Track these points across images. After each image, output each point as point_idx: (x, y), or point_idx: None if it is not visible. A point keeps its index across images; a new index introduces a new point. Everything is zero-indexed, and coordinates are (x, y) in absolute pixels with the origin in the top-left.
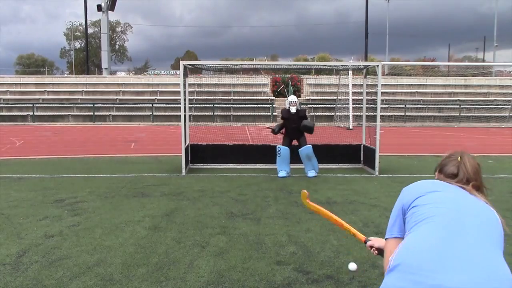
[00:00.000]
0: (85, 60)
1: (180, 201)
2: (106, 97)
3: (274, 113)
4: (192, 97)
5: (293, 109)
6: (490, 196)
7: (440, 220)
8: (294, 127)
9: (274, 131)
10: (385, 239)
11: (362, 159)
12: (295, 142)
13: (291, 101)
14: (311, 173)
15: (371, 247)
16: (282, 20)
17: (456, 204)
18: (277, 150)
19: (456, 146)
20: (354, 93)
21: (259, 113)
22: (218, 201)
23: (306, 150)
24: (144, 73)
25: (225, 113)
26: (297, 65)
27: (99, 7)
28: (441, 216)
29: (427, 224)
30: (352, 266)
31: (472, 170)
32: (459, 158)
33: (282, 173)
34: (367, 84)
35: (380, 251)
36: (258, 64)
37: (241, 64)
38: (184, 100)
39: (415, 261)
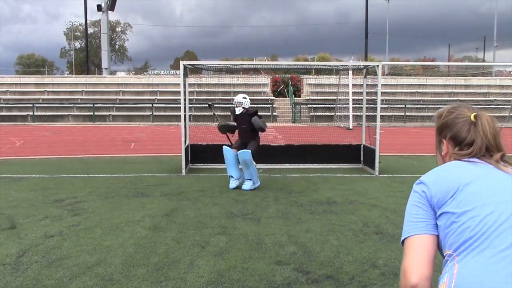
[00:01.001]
0: (85, 60)
1: (180, 201)
2: (106, 97)
3: (274, 113)
4: (192, 97)
5: (237, 110)
6: None
7: (496, 234)
8: (244, 128)
9: (218, 125)
10: (409, 236)
11: (362, 159)
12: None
13: (236, 101)
14: (246, 185)
15: None
16: (282, 20)
17: (502, 201)
18: (223, 150)
19: None
20: (354, 93)
21: (259, 113)
22: (218, 201)
23: (242, 155)
24: (144, 73)
25: (225, 113)
26: (297, 65)
27: (99, 7)
28: (494, 229)
29: (482, 245)
30: None
31: (495, 133)
32: (472, 117)
33: (231, 184)
34: (367, 84)
35: None
36: (258, 64)
37: (241, 64)
38: (184, 100)
39: None
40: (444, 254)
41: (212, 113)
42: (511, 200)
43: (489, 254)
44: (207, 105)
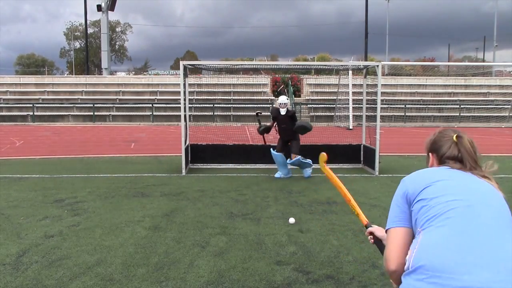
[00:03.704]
0: (85, 60)
1: (180, 201)
2: (106, 97)
3: None
4: (192, 97)
5: (283, 111)
6: None
7: (455, 215)
8: (284, 127)
9: (259, 129)
10: (388, 228)
11: (362, 159)
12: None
13: (281, 103)
14: (307, 173)
15: (371, 233)
16: (282, 19)
17: (467, 194)
18: (272, 155)
19: None
20: (354, 93)
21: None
22: (218, 201)
23: (294, 163)
24: (144, 73)
25: (225, 113)
26: (297, 65)
27: (99, 7)
28: (455, 211)
29: (442, 222)
30: (291, 220)
31: (472, 150)
32: (454, 137)
33: (278, 174)
34: (367, 84)
35: (378, 241)
36: (258, 64)
37: (241, 64)
38: (184, 100)
39: (438, 263)
40: (416, 232)
41: (257, 120)
42: (478, 195)
43: (448, 228)
44: (254, 114)
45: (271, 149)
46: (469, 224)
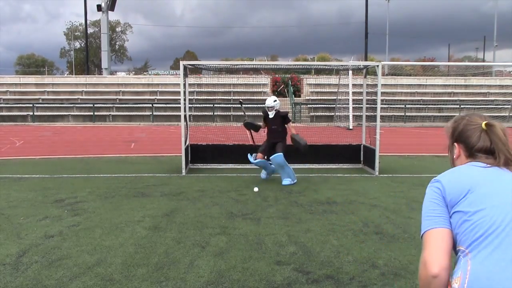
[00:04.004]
0: (85, 60)
1: (180, 201)
2: (106, 97)
3: None
4: (192, 97)
5: (271, 114)
6: None
7: (506, 234)
8: (274, 128)
9: (244, 122)
10: (427, 230)
11: (362, 159)
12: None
13: (268, 106)
14: (285, 181)
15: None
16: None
17: (510, 201)
18: (252, 158)
19: None
20: (354, 93)
21: (259, 113)
22: (218, 201)
23: (275, 159)
24: (144, 73)
25: (225, 113)
26: (297, 65)
27: (99, 7)
28: (505, 230)
29: (492, 244)
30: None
31: (506, 140)
32: (483, 125)
33: (262, 174)
34: (367, 84)
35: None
36: (258, 64)
37: (241, 64)
38: (184, 100)
39: None
40: (457, 250)
41: (242, 111)
42: None
43: (499, 252)
44: (238, 103)
45: (249, 155)
46: None
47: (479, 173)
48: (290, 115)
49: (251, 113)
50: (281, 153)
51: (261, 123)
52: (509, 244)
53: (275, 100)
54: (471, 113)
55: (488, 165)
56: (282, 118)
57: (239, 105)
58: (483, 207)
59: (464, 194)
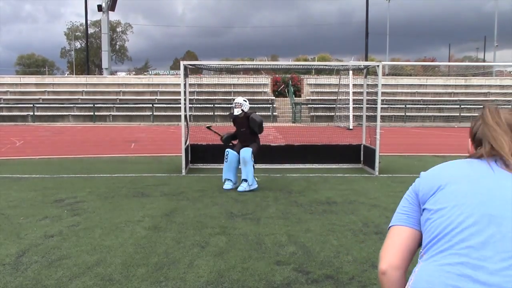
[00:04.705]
0: (86, 60)
1: (180, 201)
2: (106, 97)
3: (275, 113)
4: (193, 97)
5: (236, 111)
6: None
7: (460, 239)
8: (243, 131)
9: (222, 139)
10: (391, 226)
11: (362, 159)
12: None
13: (235, 103)
14: (241, 187)
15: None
16: (283, 19)
17: (479, 202)
18: (225, 154)
19: (456, 146)
20: (354, 93)
21: (259, 113)
22: (218, 201)
23: (243, 152)
24: (144, 73)
25: (225, 113)
26: (298, 65)
27: (99, 7)
28: (462, 232)
29: (442, 247)
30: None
31: (497, 128)
32: (484, 112)
33: (226, 185)
34: (367, 84)
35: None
36: (258, 64)
37: (242, 64)
38: (184, 100)
39: None
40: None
41: (213, 132)
42: (489, 204)
43: (447, 256)
44: (206, 127)
45: (229, 149)
46: (477, 256)
47: (460, 168)
48: (260, 117)
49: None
50: (251, 149)
51: (233, 131)
52: (460, 249)
53: (245, 100)
54: (490, 104)
55: (476, 159)
56: (249, 120)
57: (208, 129)
58: (445, 206)
59: (434, 191)
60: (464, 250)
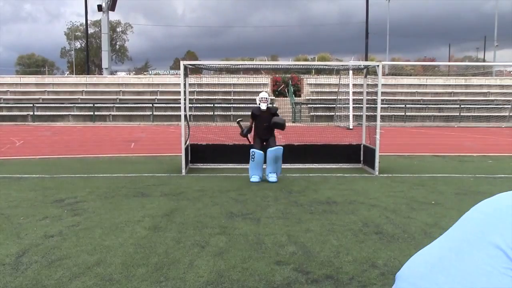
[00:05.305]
0: (86, 60)
1: (180, 201)
2: (106, 97)
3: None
4: (192, 97)
5: (263, 106)
6: (490, 196)
7: None
8: (266, 125)
9: (242, 133)
10: None
11: (362, 159)
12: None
13: (262, 98)
14: (272, 178)
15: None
16: (283, 19)
17: None
18: (251, 153)
19: (456, 146)
20: (354, 93)
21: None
22: (218, 201)
23: (275, 152)
24: (144, 73)
25: (225, 113)
26: (297, 65)
27: (99, 7)
28: None
29: None
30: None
31: None
32: None
33: (255, 178)
34: (367, 84)
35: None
36: (258, 64)
37: (242, 64)
38: (184, 100)
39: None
40: None
41: (239, 126)
42: None
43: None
44: (237, 122)
45: (254, 149)
46: None
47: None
48: (282, 119)
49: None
50: (281, 147)
51: (249, 123)
52: None
53: (268, 94)
54: None
55: None
56: (272, 115)
57: (237, 123)
58: None
59: None
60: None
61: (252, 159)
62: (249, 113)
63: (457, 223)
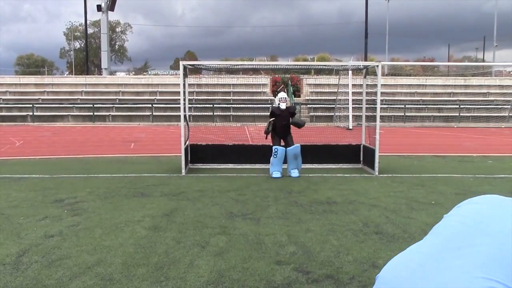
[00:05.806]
0: (85, 60)
1: (180, 201)
2: (106, 97)
3: None
4: (192, 97)
5: (283, 105)
6: None
7: None
8: (285, 124)
9: (267, 131)
10: None
11: (362, 159)
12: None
13: (281, 98)
14: (295, 173)
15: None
16: (283, 19)
17: None
18: (273, 150)
19: (456, 146)
20: (353, 93)
21: (259, 113)
22: (218, 201)
23: (295, 150)
24: (144, 73)
25: (225, 113)
26: (297, 65)
27: (99, 7)
28: None
29: None
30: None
31: None
32: None
33: (277, 174)
34: (367, 84)
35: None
36: (258, 64)
37: (241, 64)
38: (184, 100)
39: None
40: None
41: (269, 125)
42: None
43: None
44: (269, 122)
45: (277, 146)
46: None
47: None
48: (303, 120)
49: (254, 113)
50: (299, 145)
51: (271, 121)
52: None
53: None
54: None
55: None
56: (291, 114)
57: (269, 123)
58: None
59: None
60: None
61: (275, 155)
62: (249, 113)
63: (438, 227)
